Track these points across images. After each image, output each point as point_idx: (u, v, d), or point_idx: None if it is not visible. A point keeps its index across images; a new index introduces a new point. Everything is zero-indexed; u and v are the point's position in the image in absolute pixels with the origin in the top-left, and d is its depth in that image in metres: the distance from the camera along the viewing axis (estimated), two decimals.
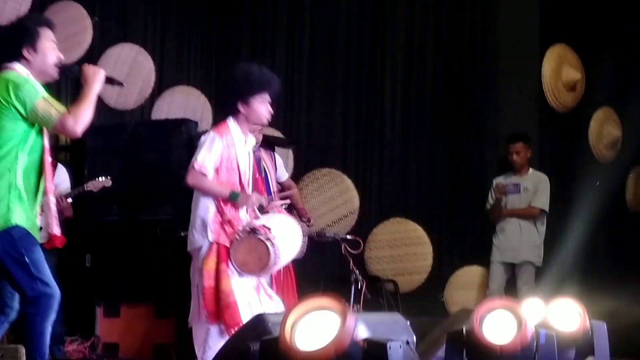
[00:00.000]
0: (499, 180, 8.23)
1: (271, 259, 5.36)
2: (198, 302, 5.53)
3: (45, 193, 4.55)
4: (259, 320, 3.10)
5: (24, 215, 4.44)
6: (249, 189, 5.71)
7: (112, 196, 7.67)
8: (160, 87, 9.27)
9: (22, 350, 2.57)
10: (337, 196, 8.81)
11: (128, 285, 7.85)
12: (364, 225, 8.69)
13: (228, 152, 5.57)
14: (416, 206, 8.87)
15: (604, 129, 9.43)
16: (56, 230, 4.60)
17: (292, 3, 9.55)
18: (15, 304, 4.53)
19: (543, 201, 8.10)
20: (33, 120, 4.42)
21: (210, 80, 9.47)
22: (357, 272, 6.65)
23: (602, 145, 9.43)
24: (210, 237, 5.48)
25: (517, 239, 8.07)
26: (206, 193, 5.56)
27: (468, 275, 8.53)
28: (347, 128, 9.18)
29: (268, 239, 5.39)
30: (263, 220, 5.64)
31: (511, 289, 8.10)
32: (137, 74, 9.18)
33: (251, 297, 5.58)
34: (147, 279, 7.76)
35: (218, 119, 5.83)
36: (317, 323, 2.66)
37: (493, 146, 8.76)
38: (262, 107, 5.63)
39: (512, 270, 8.11)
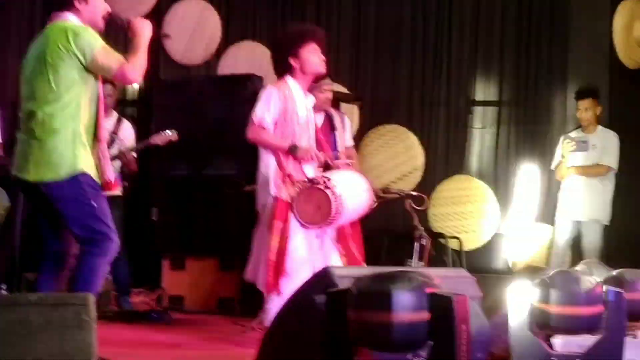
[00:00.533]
0: (567, 136, 8.11)
1: (332, 207, 5.37)
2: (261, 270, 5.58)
3: (100, 140, 4.57)
4: (325, 273, 3.10)
5: (89, 163, 4.49)
6: (308, 143, 5.74)
7: (179, 151, 7.73)
8: (227, 42, 9.29)
9: (92, 299, 2.61)
10: (402, 153, 8.76)
11: (194, 239, 7.95)
12: (428, 182, 8.64)
13: (286, 105, 5.62)
14: (481, 163, 8.79)
15: None
16: (111, 176, 4.62)
17: None
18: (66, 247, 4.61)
19: (612, 159, 7.96)
20: (92, 68, 4.44)
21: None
22: (422, 228, 6.62)
23: None
24: (273, 192, 5.52)
25: (584, 197, 7.94)
26: (266, 147, 5.61)
27: (534, 233, 8.46)
28: (413, 84, 9.10)
29: (327, 187, 5.39)
30: (325, 173, 5.67)
31: (577, 247, 8.02)
32: (203, 30, 9.22)
33: (313, 252, 5.61)
34: (212, 233, 7.84)
35: (277, 76, 5.86)
36: None
37: (562, 102, 8.63)
38: (313, 56, 5.70)
39: (578, 229, 8.02)
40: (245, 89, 8.03)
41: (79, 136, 4.46)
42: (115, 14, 4.72)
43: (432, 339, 2.62)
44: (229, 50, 9.28)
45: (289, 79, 5.69)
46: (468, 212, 8.60)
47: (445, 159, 8.93)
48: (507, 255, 8.51)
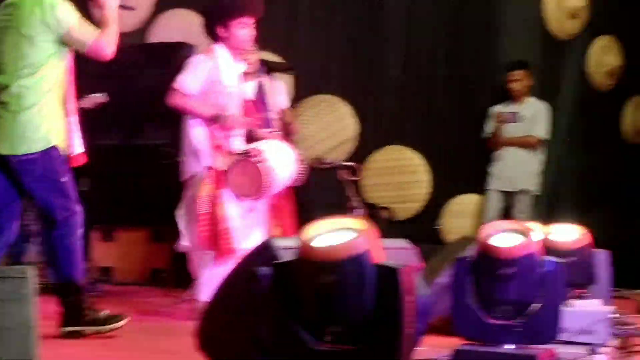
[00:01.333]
0: (497, 108, 8.18)
1: (264, 180, 5.35)
2: (194, 229, 5.53)
3: (69, 114, 4.62)
4: (266, 245, 3.07)
5: (62, 137, 4.55)
6: (236, 113, 5.69)
7: (109, 119, 7.62)
8: (158, 10, 9.12)
9: (32, 272, 2.55)
10: (335, 123, 8.72)
11: (124, 209, 7.84)
12: (361, 153, 8.61)
13: (214, 74, 5.56)
14: (413, 134, 8.79)
15: (603, 58, 9.33)
16: (77, 149, 4.68)
17: None
18: (11, 225, 4.60)
19: (542, 130, 8.07)
20: (67, 41, 4.47)
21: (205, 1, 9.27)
22: (356, 199, 6.62)
23: (600, 74, 9.35)
24: (206, 162, 5.47)
25: (515, 168, 8.06)
26: (188, 114, 5.54)
27: (464, 203, 8.52)
28: (346, 55, 9.05)
29: (259, 160, 5.37)
30: (255, 144, 5.64)
31: (507, 217, 8.10)
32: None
33: (248, 222, 5.58)
34: (143, 203, 7.74)
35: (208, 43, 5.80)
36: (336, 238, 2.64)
37: (493, 74, 8.68)
38: (241, 31, 5.65)
39: (508, 199, 8.12)
40: (177, 58, 7.92)
41: (54, 109, 4.49)
42: None
43: (378, 310, 2.61)
44: (160, 18, 9.12)
45: (218, 48, 5.63)
46: (400, 182, 8.62)
47: (378, 130, 8.91)
48: (439, 225, 8.56)
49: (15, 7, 4.49)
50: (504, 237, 3.38)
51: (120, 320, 4.63)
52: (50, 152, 4.47)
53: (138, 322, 5.20)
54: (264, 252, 3.05)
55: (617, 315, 4.42)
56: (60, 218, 4.50)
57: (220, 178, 5.47)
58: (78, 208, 4.57)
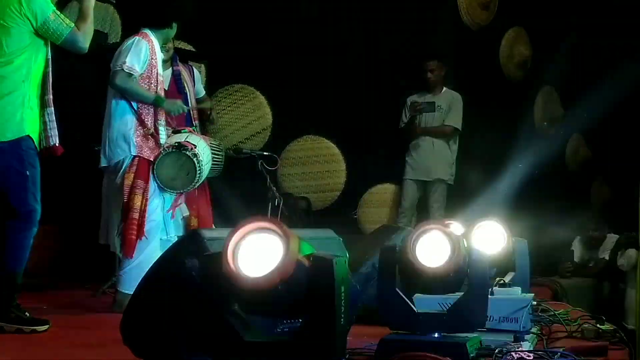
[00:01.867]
0: (413, 98, 8.22)
1: (197, 175, 5.30)
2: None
3: (46, 105, 4.62)
4: (194, 236, 3.01)
5: (35, 128, 4.55)
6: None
7: None
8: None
9: None
10: (251, 112, 8.67)
11: None
12: (277, 142, 8.59)
13: (152, 60, 5.50)
14: (329, 123, 8.80)
15: (514, 49, 9.48)
16: (56, 140, 4.65)
17: None
18: None
19: (456, 120, 8.14)
20: (43, 33, 4.51)
21: None
22: (275, 189, 6.59)
23: (512, 64, 9.50)
24: (133, 150, 5.37)
25: (430, 157, 8.11)
26: (132, 95, 5.45)
27: (381, 192, 8.57)
28: (261, 41, 8.99)
29: (195, 154, 5.31)
30: (183, 137, 5.57)
31: (422, 206, 8.17)
32: None
33: (164, 216, 5.51)
34: (51, 195, 7.53)
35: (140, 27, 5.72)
36: (259, 246, 2.58)
37: (407, 64, 8.72)
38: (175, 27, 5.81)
39: (424, 188, 8.17)
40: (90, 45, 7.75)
41: (29, 100, 4.50)
42: None
43: (311, 300, 2.57)
44: (70, 5, 8.92)
45: (151, 33, 5.56)
46: (317, 172, 8.62)
47: (293, 118, 8.89)
48: (356, 215, 8.59)
49: None
50: (431, 244, 3.35)
51: (44, 326, 4.57)
52: (21, 142, 4.48)
53: (58, 315, 5.07)
54: (192, 243, 2.98)
55: (537, 302, 4.49)
56: (21, 210, 4.50)
57: (145, 168, 5.37)
58: (38, 207, 4.57)
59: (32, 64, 4.53)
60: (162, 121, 5.54)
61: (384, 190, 8.55)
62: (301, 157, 8.67)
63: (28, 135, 4.50)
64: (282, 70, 8.96)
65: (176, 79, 6.55)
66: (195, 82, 6.95)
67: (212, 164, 5.96)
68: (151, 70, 5.49)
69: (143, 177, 5.36)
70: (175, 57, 6.79)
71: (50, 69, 4.65)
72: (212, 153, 5.99)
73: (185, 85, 6.65)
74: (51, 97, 4.67)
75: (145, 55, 5.45)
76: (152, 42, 5.52)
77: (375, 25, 8.90)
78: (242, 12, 9.02)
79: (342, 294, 2.58)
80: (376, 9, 8.86)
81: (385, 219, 8.24)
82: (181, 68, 6.74)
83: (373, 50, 8.90)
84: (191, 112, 6.43)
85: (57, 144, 4.66)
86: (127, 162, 5.39)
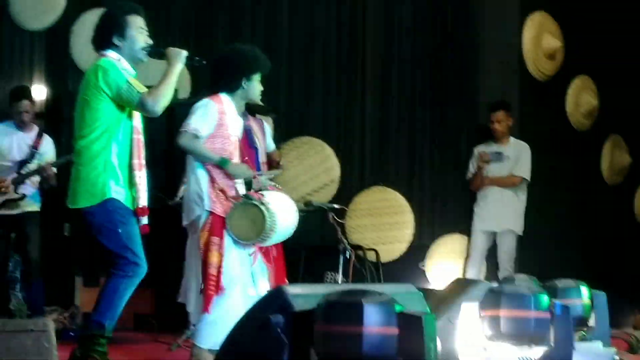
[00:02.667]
0: (480, 148, 8.20)
1: (267, 223, 5.32)
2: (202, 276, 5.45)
3: (134, 169, 4.89)
4: (279, 292, 3.03)
5: (119, 190, 4.84)
6: (237, 160, 5.70)
7: None
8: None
9: (52, 325, 2.50)
10: (318, 164, 8.71)
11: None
12: (344, 194, 8.61)
13: (223, 121, 5.56)
14: (397, 174, 8.82)
15: (581, 98, 9.44)
16: (144, 202, 4.96)
17: None
18: None
19: (525, 170, 8.09)
20: (119, 101, 4.80)
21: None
22: (346, 241, 6.60)
23: (579, 113, 9.45)
24: (207, 206, 5.42)
25: (499, 208, 8.05)
26: (198, 157, 5.50)
27: (449, 243, 8.52)
28: (327, 95, 9.08)
29: (262, 202, 5.35)
30: (259, 186, 5.64)
31: (492, 257, 8.12)
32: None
33: (244, 271, 5.53)
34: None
35: (212, 91, 5.80)
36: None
37: (474, 115, 8.73)
38: (258, 85, 5.83)
39: (493, 239, 8.12)
40: None
41: (110, 166, 4.81)
42: (152, 46, 5.04)
43: (401, 356, 2.58)
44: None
45: (224, 95, 5.65)
46: (385, 223, 8.61)
47: (360, 170, 8.92)
48: (424, 266, 8.54)
49: (85, 74, 4.97)
50: None
51: None
52: (106, 205, 4.79)
53: None
54: (276, 299, 3.00)
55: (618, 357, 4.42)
56: (118, 262, 4.81)
57: (218, 224, 5.42)
58: (138, 261, 4.85)
59: (113, 132, 4.83)
60: (237, 182, 5.60)
61: (453, 241, 8.50)
62: (369, 209, 8.66)
63: (112, 198, 4.81)
64: (349, 123, 9.03)
65: (247, 134, 6.62)
66: (266, 136, 7.02)
67: (294, 221, 5.99)
68: (220, 131, 5.55)
69: (217, 233, 5.40)
70: (245, 112, 6.87)
71: (140, 135, 4.96)
72: (293, 210, 6.04)
73: (257, 139, 6.72)
74: (140, 161, 4.95)
75: (212, 117, 5.52)
76: (222, 103, 5.60)
77: (440, 75, 8.93)
78: (305, 65, 9.14)
79: (432, 352, 2.59)
80: (440, 60, 8.90)
81: (454, 270, 8.19)
82: (252, 122, 6.82)
83: (438, 102, 8.92)
84: (261, 167, 6.50)
85: (143, 206, 4.95)
86: (203, 219, 5.45)
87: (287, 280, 6.31)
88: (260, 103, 8.37)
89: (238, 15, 9.30)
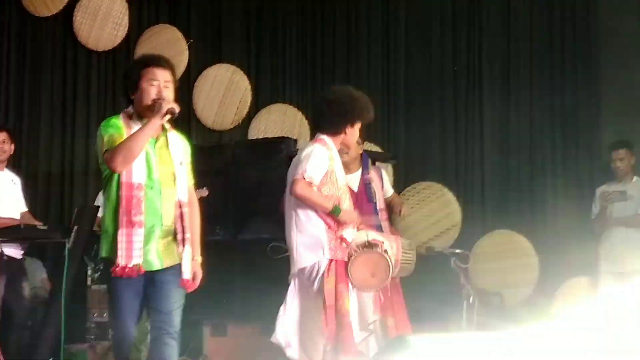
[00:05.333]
0: (603, 188, 8.07)
1: (389, 273, 5.35)
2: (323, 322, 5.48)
3: (119, 226, 4.62)
4: (401, 341, 3.06)
5: (114, 249, 4.62)
6: (349, 206, 5.71)
7: (213, 216, 7.69)
8: (257, 105, 9.32)
9: None
10: (439, 209, 8.71)
11: (234, 304, 7.88)
12: (466, 238, 8.56)
13: (332, 166, 5.58)
14: (519, 217, 8.71)
15: None
16: (122, 261, 4.67)
17: (385, 15, 9.46)
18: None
19: None
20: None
21: (306, 97, 9.45)
22: (469, 286, 6.56)
23: None
24: (328, 254, 5.45)
25: (625, 248, 7.89)
26: (312, 205, 5.52)
27: (575, 286, 8.35)
28: (446, 140, 9.08)
29: (385, 251, 5.37)
30: (372, 235, 5.63)
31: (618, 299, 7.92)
32: (233, 94, 9.26)
33: (367, 315, 5.56)
34: (252, 297, 7.77)
35: (315, 131, 5.88)
36: None
37: (595, 154, 8.59)
38: (357, 132, 5.80)
39: (620, 280, 7.93)
40: (279, 152, 8.04)
41: (113, 225, 4.63)
42: (158, 99, 4.71)
43: None
44: (260, 114, 9.32)
45: (327, 139, 5.67)
46: (509, 267, 8.51)
47: (482, 214, 8.86)
48: (551, 310, 8.39)
49: None
50: None
51: None
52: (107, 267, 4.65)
53: None
54: (399, 348, 3.03)
55: None
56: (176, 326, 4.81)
57: (342, 270, 5.45)
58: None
59: (115, 190, 4.65)
60: (349, 228, 5.63)
61: (579, 284, 8.33)
62: (493, 253, 8.58)
63: (103, 257, 4.77)
64: (469, 166, 8.99)
65: (366, 187, 6.67)
66: (384, 183, 7.06)
67: (403, 263, 6.01)
68: (329, 177, 5.59)
69: (344, 280, 5.43)
70: (366, 163, 6.94)
71: (135, 191, 4.63)
72: (403, 252, 6.06)
73: (375, 192, 6.76)
74: (130, 218, 4.63)
75: (324, 164, 5.54)
76: (331, 148, 5.64)
77: (561, 115, 8.82)
78: (423, 110, 9.17)
79: None
80: (560, 101, 8.80)
81: (582, 314, 8.01)
82: (372, 173, 6.87)
83: (559, 142, 8.81)
84: (379, 213, 6.54)
85: (118, 264, 4.61)
86: (323, 266, 5.47)
87: (410, 328, 6.32)
88: (380, 150, 8.53)
89: (354, 65, 9.42)
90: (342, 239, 5.50)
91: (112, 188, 4.65)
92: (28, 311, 7.12)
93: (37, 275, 8.36)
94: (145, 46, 9.37)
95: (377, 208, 6.83)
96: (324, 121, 5.73)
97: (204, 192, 7.24)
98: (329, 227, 5.51)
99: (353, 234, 5.63)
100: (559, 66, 8.83)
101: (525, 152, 8.86)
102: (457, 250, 6.82)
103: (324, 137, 5.68)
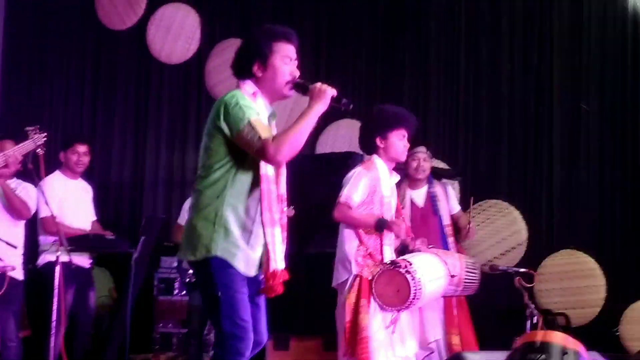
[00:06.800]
0: None
1: (411, 292, 5.37)
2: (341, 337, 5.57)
3: (265, 225, 4.10)
4: (458, 358, 3.06)
5: (228, 248, 4.10)
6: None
7: None
8: (325, 120, 9.37)
9: None
10: (505, 228, 8.63)
11: (297, 318, 7.92)
12: (532, 257, 8.47)
13: (375, 188, 5.66)
14: (586, 237, 8.62)
15: None
16: (277, 265, 4.19)
17: (453, 32, 9.46)
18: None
19: None
20: (239, 144, 4.07)
21: None
22: (533, 306, 6.50)
23: None
24: (354, 269, 5.56)
25: None
26: (353, 224, 5.63)
27: None
28: (513, 157, 9.04)
29: (408, 271, 5.40)
30: (406, 256, 5.69)
31: None
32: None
33: (428, 334, 5.58)
34: (315, 311, 7.80)
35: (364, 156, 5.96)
36: None
37: None
38: (399, 142, 5.81)
39: None
40: (347, 167, 8.06)
41: (221, 218, 4.10)
42: (300, 80, 4.25)
43: None
44: (328, 128, 9.36)
45: (376, 159, 5.75)
46: (575, 287, 8.40)
47: (548, 233, 8.78)
48: (618, 332, 8.26)
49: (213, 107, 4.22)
50: None
51: None
52: (209, 262, 4.07)
53: None
54: None
55: None
56: (217, 336, 4.13)
57: (366, 287, 5.52)
58: (238, 332, 4.03)
59: (231, 180, 4.12)
60: (387, 240, 5.68)
61: None
62: (559, 272, 8.47)
63: (217, 257, 4.08)
64: (536, 184, 8.94)
65: (432, 201, 6.70)
66: (449, 199, 7.07)
67: (466, 282, 6.03)
68: (373, 197, 5.66)
69: (365, 296, 5.50)
70: (430, 178, 6.96)
71: (272, 185, 4.14)
72: (467, 271, 6.07)
73: (440, 206, 6.78)
74: (272, 216, 4.12)
75: (364, 186, 5.63)
76: (375, 169, 5.70)
77: (629, 133, 8.72)
78: (491, 127, 9.13)
79: None
80: (623, 119, 8.70)
81: None
82: (437, 188, 6.89)
83: (625, 159, 8.71)
84: (445, 229, 6.54)
85: (274, 270, 4.15)
86: (349, 281, 5.56)
87: (477, 346, 6.31)
88: (447, 167, 8.52)
89: (422, 80, 9.44)
90: (371, 256, 5.57)
91: (242, 179, 4.12)
92: (95, 320, 7.24)
93: (105, 285, 8.51)
94: (216, 60, 9.49)
95: (443, 223, 6.83)
96: (360, 142, 5.87)
97: (290, 212, 7.34)
98: (361, 243, 5.58)
99: (392, 253, 5.72)
100: (630, 83, 8.74)
101: (593, 170, 8.77)
102: (522, 269, 6.77)
103: (374, 157, 5.78)
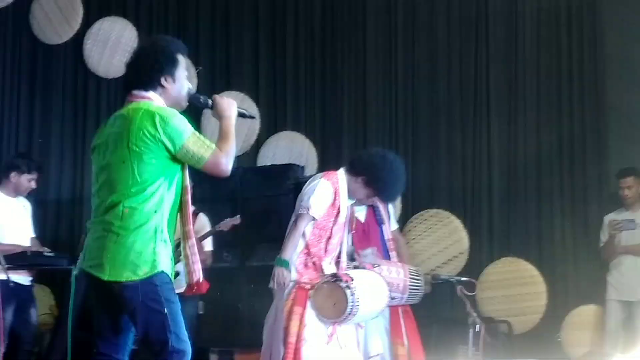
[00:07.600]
0: (611, 216, 8.05)
1: (347, 307, 5.39)
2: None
3: (187, 237, 4.12)
4: None
5: (168, 261, 4.03)
6: (339, 242, 5.76)
7: (221, 242, 7.74)
8: (267, 132, 9.37)
9: None
10: (446, 237, 8.71)
11: (240, 332, 7.88)
12: (474, 266, 8.56)
13: (335, 201, 5.68)
14: (526, 245, 8.70)
15: None
16: (200, 275, 4.12)
17: (390, 43, 9.49)
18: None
19: None
20: (182, 158, 4.01)
21: (314, 124, 9.50)
22: (475, 314, 6.55)
23: None
24: (294, 275, 5.54)
25: (634, 276, 7.86)
26: (294, 237, 5.62)
27: (584, 314, 8.31)
28: (453, 168, 9.09)
29: (348, 287, 5.41)
30: (349, 271, 5.71)
31: (629, 328, 7.89)
32: (242, 122, 9.21)
33: (321, 345, 5.58)
34: (258, 325, 7.75)
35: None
36: None
37: (603, 182, 8.58)
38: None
39: (629, 309, 7.90)
40: (287, 179, 8.09)
41: (161, 232, 4.01)
42: (195, 93, 4.29)
43: None
44: (268, 141, 9.36)
45: (341, 174, 5.75)
46: (517, 294, 8.49)
47: (489, 241, 8.85)
48: (560, 338, 8.35)
49: (125, 119, 4.08)
50: None
51: None
52: (154, 279, 3.96)
53: None
54: None
55: None
56: (160, 350, 3.94)
57: (302, 295, 5.52)
58: (182, 346, 3.97)
59: (166, 193, 4.04)
60: (328, 258, 5.70)
61: (587, 312, 8.28)
62: (500, 280, 8.56)
63: (162, 271, 3.98)
64: (476, 194, 8.99)
65: (375, 212, 6.71)
66: (390, 215, 7.08)
67: (411, 289, 6.07)
68: (330, 211, 5.67)
69: (300, 304, 5.50)
70: None
71: (189, 196, 4.13)
72: (410, 277, 6.11)
73: (383, 218, 6.80)
74: (192, 228, 4.17)
75: (326, 199, 5.65)
76: (337, 182, 5.71)
77: (568, 143, 8.83)
78: (430, 139, 9.18)
79: None
80: (567, 129, 8.81)
81: (590, 342, 8.00)
82: (376, 202, 6.90)
83: (566, 169, 8.81)
84: (387, 243, 6.56)
85: (201, 279, 4.12)
86: (289, 287, 5.57)
87: (424, 356, 6.33)
88: None
89: (360, 91, 9.47)
90: (315, 265, 5.59)
91: (175, 192, 4.08)
92: (36, 337, 7.13)
93: (46, 303, 8.39)
94: None
95: (385, 237, 6.83)
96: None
97: (237, 220, 7.33)
98: (308, 252, 5.60)
99: (333, 267, 5.74)
100: (566, 93, 8.84)
101: (532, 179, 8.85)
102: (463, 278, 6.82)
103: (338, 172, 5.81)
